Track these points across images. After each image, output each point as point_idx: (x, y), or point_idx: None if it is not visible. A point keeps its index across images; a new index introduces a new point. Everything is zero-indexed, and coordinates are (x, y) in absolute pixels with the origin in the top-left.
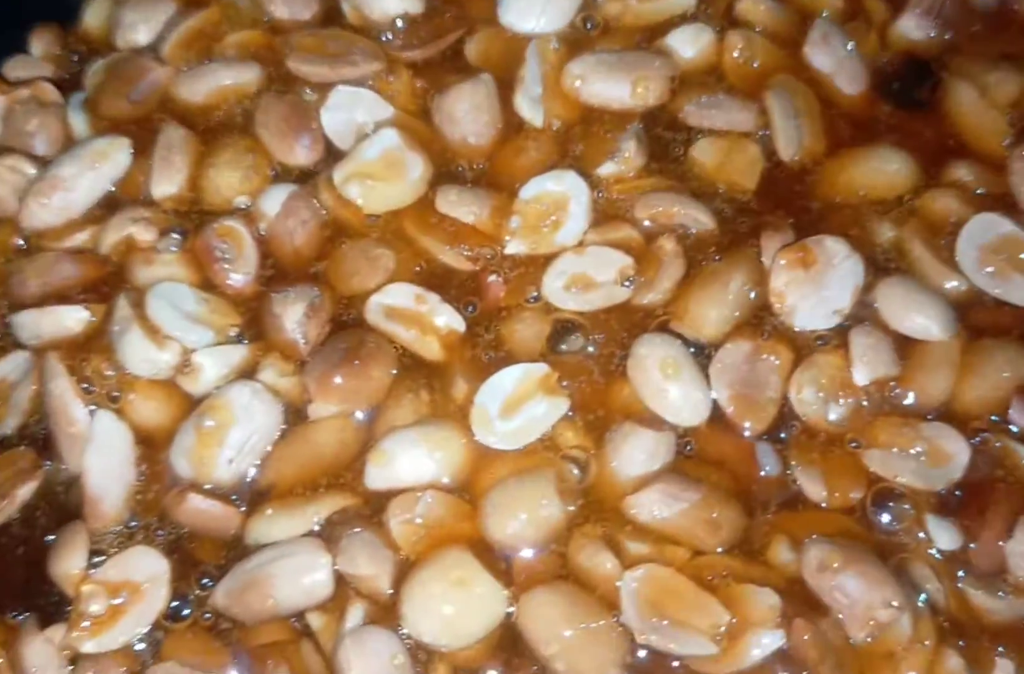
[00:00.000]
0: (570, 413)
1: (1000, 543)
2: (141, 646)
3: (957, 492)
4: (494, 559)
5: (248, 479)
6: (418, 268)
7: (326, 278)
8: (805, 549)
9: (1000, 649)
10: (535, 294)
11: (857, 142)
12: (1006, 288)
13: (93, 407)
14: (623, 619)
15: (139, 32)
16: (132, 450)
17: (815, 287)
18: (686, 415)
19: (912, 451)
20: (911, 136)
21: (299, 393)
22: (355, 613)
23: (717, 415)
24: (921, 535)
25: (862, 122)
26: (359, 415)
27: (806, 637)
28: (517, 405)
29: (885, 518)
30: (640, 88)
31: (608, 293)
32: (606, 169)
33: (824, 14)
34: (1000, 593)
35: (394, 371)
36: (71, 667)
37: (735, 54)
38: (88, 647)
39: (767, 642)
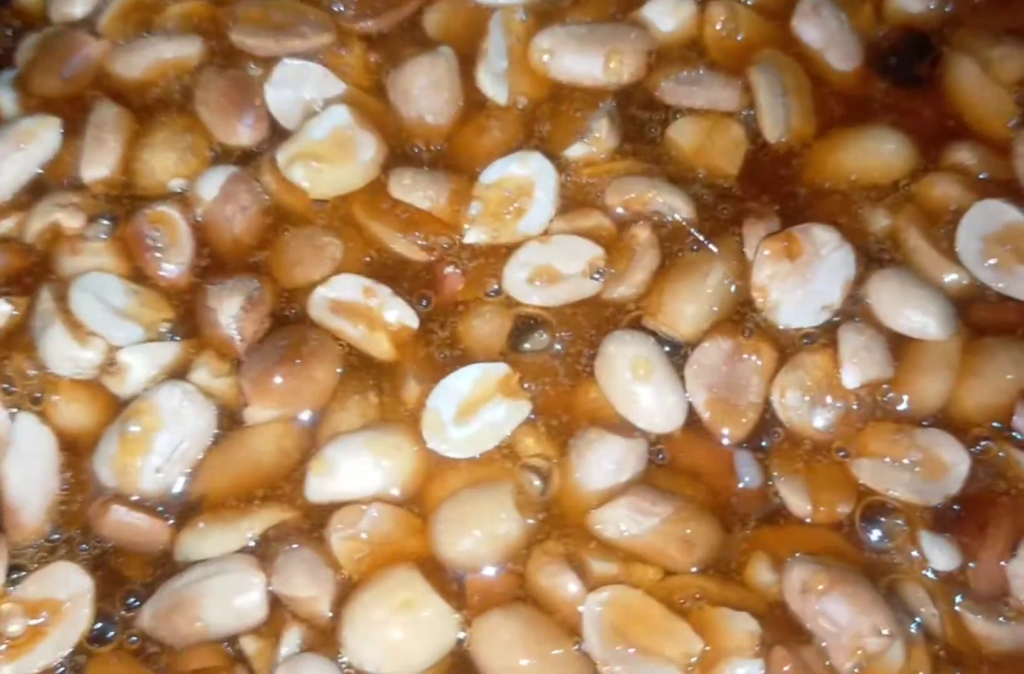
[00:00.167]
0: (532, 418)
1: (1002, 563)
2: (62, 671)
3: (955, 506)
4: (445, 579)
5: (177, 490)
6: (368, 258)
7: (267, 269)
8: (787, 569)
9: None
10: (495, 287)
11: (849, 122)
12: (1010, 282)
13: (14, 410)
14: (585, 647)
15: (75, 5)
16: (55, 456)
17: (801, 280)
18: (659, 421)
19: (906, 461)
20: (908, 116)
21: (234, 395)
22: (291, 638)
23: (693, 421)
24: (915, 554)
25: (855, 101)
26: (300, 420)
27: (787, 667)
28: (473, 409)
29: (875, 535)
30: (613, 63)
31: (576, 286)
32: (575, 151)
33: None
34: (1001, 618)
35: (339, 371)
36: None
37: (717, 26)
38: (5, 672)
39: (744, 672)
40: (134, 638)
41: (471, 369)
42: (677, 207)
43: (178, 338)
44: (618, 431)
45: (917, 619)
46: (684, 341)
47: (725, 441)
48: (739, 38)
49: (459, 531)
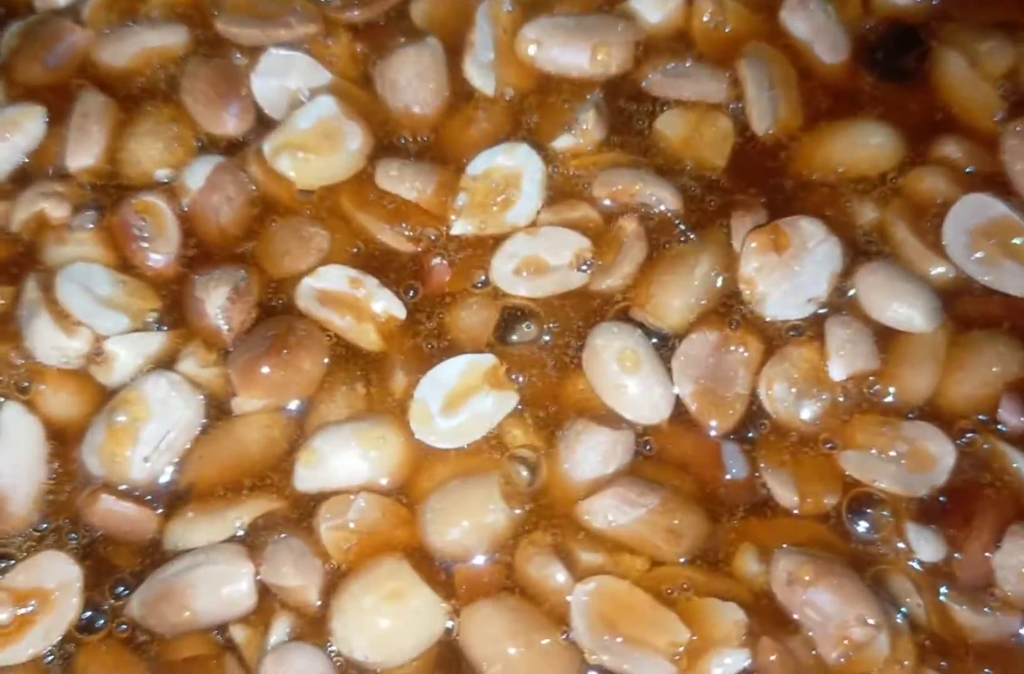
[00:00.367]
0: (519, 409)
1: (987, 554)
2: (51, 659)
3: (941, 498)
4: (433, 569)
5: (166, 479)
6: (355, 249)
7: (254, 259)
8: (774, 560)
9: (986, 671)
10: (483, 278)
11: (837, 115)
12: (997, 276)
13: (0, 399)
14: (573, 636)
15: None
16: (43, 446)
17: (788, 273)
18: (646, 412)
19: (892, 453)
20: (896, 109)
21: (222, 385)
22: (280, 627)
23: (680, 412)
24: (901, 545)
25: (843, 94)
26: (288, 410)
27: (773, 657)
28: (461, 400)
29: (862, 526)
30: (601, 55)
31: (563, 278)
32: (562, 142)
33: None
34: (986, 609)
35: (327, 362)
36: None
37: (705, 18)
38: None
39: (730, 662)
40: (124, 627)
41: (458, 360)
42: (664, 199)
43: (165, 328)
44: (605, 422)
45: (903, 609)
46: (671, 333)
47: (712, 433)
48: (727, 30)
49: (447, 521)
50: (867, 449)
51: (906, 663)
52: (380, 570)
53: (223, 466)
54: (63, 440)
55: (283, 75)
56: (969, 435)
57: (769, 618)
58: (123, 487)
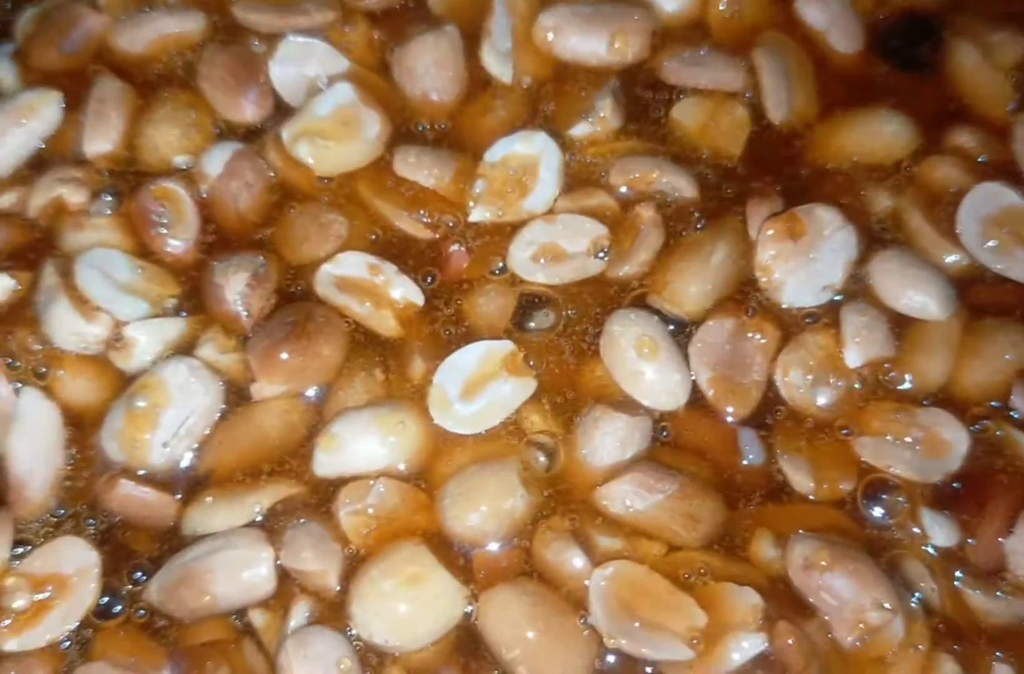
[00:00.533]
0: (537, 395)
1: (1000, 539)
2: (68, 645)
3: (955, 484)
4: (452, 554)
5: (185, 464)
6: (373, 236)
7: (273, 246)
8: (790, 545)
9: (998, 654)
10: (500, 265)
11: (852, 104)
12: (1009, 264)
13: (18, 384)
14: (591, 620)
15: None
16: (60, 432)
17: (804, 260)
18: (663, 398)
19: (907, 439)
20: (910, 98)
21: (241, 371)
22: (299, 612)
23: (696, 399)
24: (915, 530)
25: (858, 83)
26: (307, 396)
27: (790, 641)
28: (479, 386)
29: (877, 512)
30: (618, 43)
31: (580, 265)
32: (579, 130)
33: None
34: (999, 593)
35: (346, 348)
36: None
37: (721, 7)
38: (10, 645)
39: (748, 646)
40: (142, 612)
41: (476, 346)
42: (681, 187)
43: (184, 314)
44: (623, 409)
45: (917, 594)
46: (688, 320)
47: (729, 419)
48: (743, 19)
49: (466, 506)
50: (882, 435)
51: (920, 647)
52: (399, 555)
53: (242, 451)
54: (81, 426)
55: (301, 62)
56: (982, 422)
57: (785, 602)
58: (142, 472)
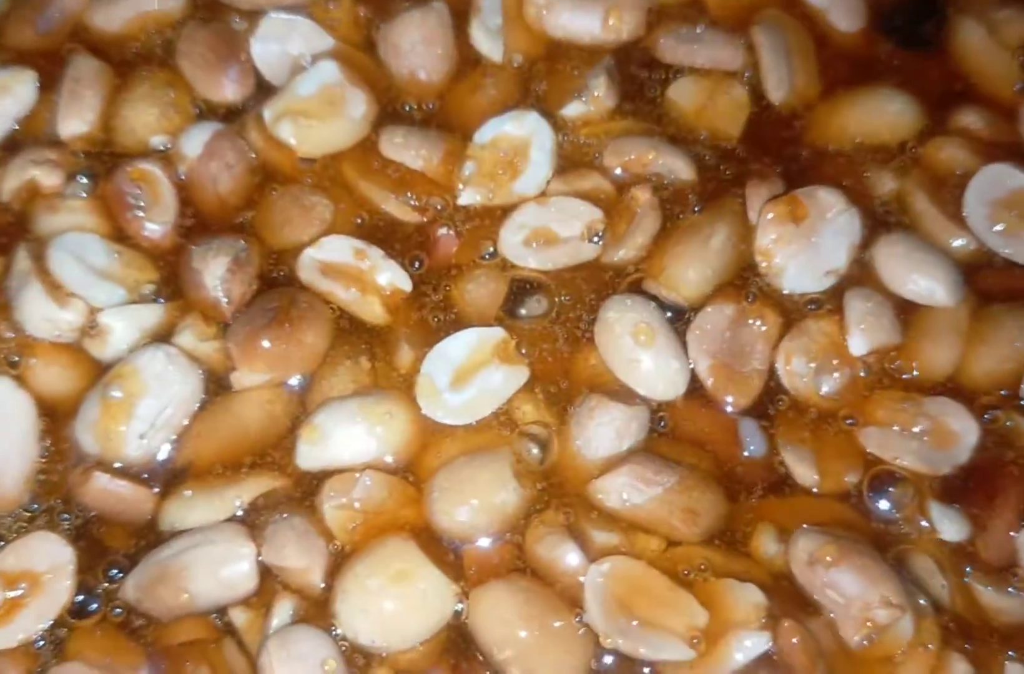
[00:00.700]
0: (529, 384)
1: (1011, 533)
2: (42, 644)
3: (964, 476)
4: (441, 550)
5: (162, 457)
6: (359, 219)
7: (254, 229)
8: (793, 540)
9: (1011, 653)
10: (491, 250)
11: (854, 83)
12: (1018, 248)
13: None
14: (587, 619)
15: None
16: (34, 423)
17: (806, 244)
18: (661, 388)
19: (914, 430)
20: (914, 78)
21: (221, 359)
22: (282, 610)
23: (695, 388)
24: (924, 524)
25: (860, 62)
26: (290, 385)
27: (795, 640)
28: (469, 375)
29: (883, 505)
30: (612, 19)
31: (574, 249)
32: (572, 110)
33: None
34: (1011, 589)
35: (330, 335)
36: None
37: None
38: None
39: (750, 645)
40: (118, 610)
41: (466, 334)
42: (678, 168)
43: (162, 300)
44: (619, 398)
45: (926, 591)
46: (687, 305)
47: (729, 409)
48: None
49: (456, 500)
50: (888, 426)
51: (930, 646)
52: (386, 551)
53: (222, 443)
54: (55, 417)
55: (284, 40)
56: (992, 412)
57: (789, 600)
58: (118, 465)
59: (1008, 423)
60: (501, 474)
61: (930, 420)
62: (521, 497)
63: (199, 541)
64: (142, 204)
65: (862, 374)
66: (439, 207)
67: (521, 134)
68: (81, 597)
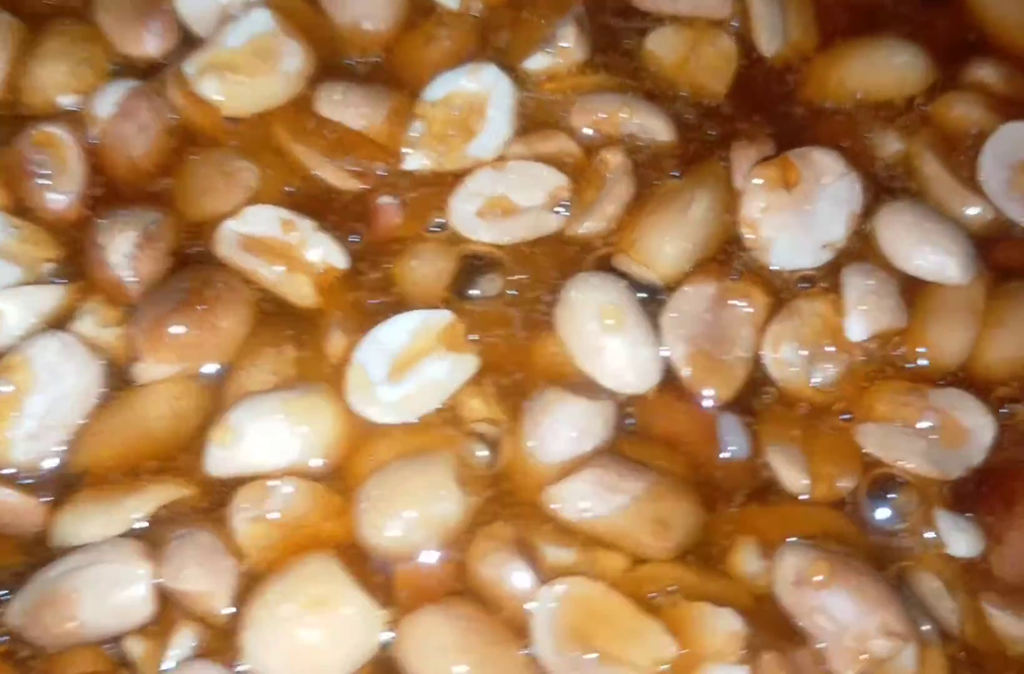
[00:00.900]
0: (479, 376)
1: None
2: None
3: (977, 480)
4: (369, 570)
5: (54, 461)
6: (290, 188)
7: (171, 199)
8: (779, 556)
9: None
10: (439, 222)
11: (856, 33)
12: None
13: None
14: (536, 651)
15: None
16: None
17: (799, 214)
18: (630, 379)
19: (920, 426)
20: (923, 28)
21: (125, 348)
22: (182, 641)
23: (670, 379)
24: (930, 537)
25: (863, 9)
26: (202, 377)
27: None
28: (409, 365)
29: (884, 514)
30: None
31: (534, 221)
32: (536, 63)
33: None
34: None
35: (250, 320)
36: None
37: None
38: None
39: None
40: (3, 638)
41: (407, 317)
42: (655, 128)
43: (63, 281)
44: (581, 391)
45: (932, 616)
46: (662, 284)
47: (708, 403)
48: None
49: (387, 512)
50: (890, 422)
51: None
52: (304, 571)
53: (123, 445)
54: None
55: None
56: (1010, 405)
57: (772, 627)
58: (3, 471)
59: None
60: (441, 480)
61: (939, 415)
62: (464, 507)
63: (91, 560)
64: (46, 172)
65: (861, 362)
66: (381, 173)
67: (477, 90)
68: None
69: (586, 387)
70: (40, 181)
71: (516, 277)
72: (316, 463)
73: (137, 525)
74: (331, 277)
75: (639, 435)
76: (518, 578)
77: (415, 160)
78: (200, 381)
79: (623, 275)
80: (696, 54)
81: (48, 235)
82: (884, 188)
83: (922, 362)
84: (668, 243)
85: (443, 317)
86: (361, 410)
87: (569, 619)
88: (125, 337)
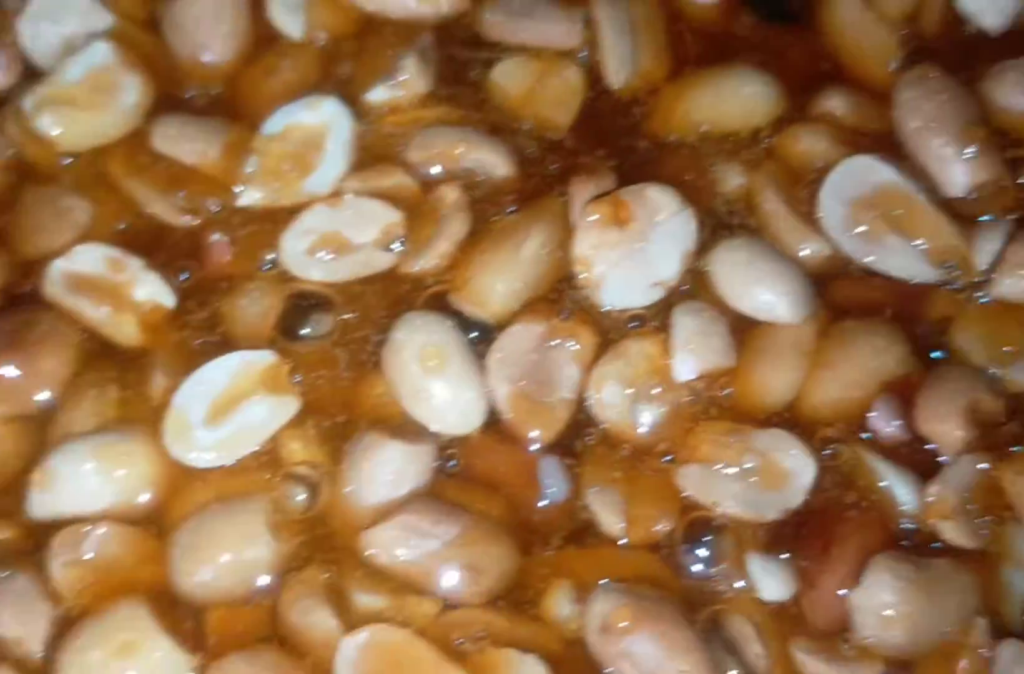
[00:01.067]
0: (301, 418)
1: (842, 592)
2: None
3: (797, 523)
4: (179, 616)
5: None
6: (123, 225)
7: (5, 237)
8: (590, 600)
9: None
10: (271, 258)
11: (706, 63)
12: (880, 254)
13: None
14: None
15: None
16: None
17: (631, 252)
18: (452, 421)
19: (739, 468)
20: (776, 56)
21: None
22: None
23: (494, 421)
24: (742, 580)
25: (717, 39)
26: (24, 420)
27: None
28: (229, 407)
29: (698, 558)
30: None
31: (367, 258)
32: (378, 95)
33: None
34: (839, 660)
35: (75, 361)
36: None
37: None
38: None
39: None
40: None
41: (228, 358)
42: (492, 163)
43: None
44: (400, 435)
45: (740, 661)
46: (493, 324)
47: (532, 445)
48: None
49: (198, 557)
50: (712, 463)
51: None
52: (114, 617)
53: None
54: None
55: (57, 18)
56: (833, 446)
57: (581, 672)
58: None
59: (850, 460)
60: (253, 526)
61: (759, 456)
62: (277, 553)
63: None
64: None
65: (687, 402)
66: (215, 209)
67: (316, 123)
68: None
69: (408, 430)
70: None
71: (346, 316)
72: (135, 506)
73: None
74: (158, 316)
75: (461, 477)
76: (325, 625)
77: (249, 196)
78: (22, 423)
79: (457, 314)
80: (542, 86)
81: None
82: (723, 224)
83: (748, 402)
84: (499, 282)
85: (265, 358)
86: (178, 454)
87: (371, 666)
88: None
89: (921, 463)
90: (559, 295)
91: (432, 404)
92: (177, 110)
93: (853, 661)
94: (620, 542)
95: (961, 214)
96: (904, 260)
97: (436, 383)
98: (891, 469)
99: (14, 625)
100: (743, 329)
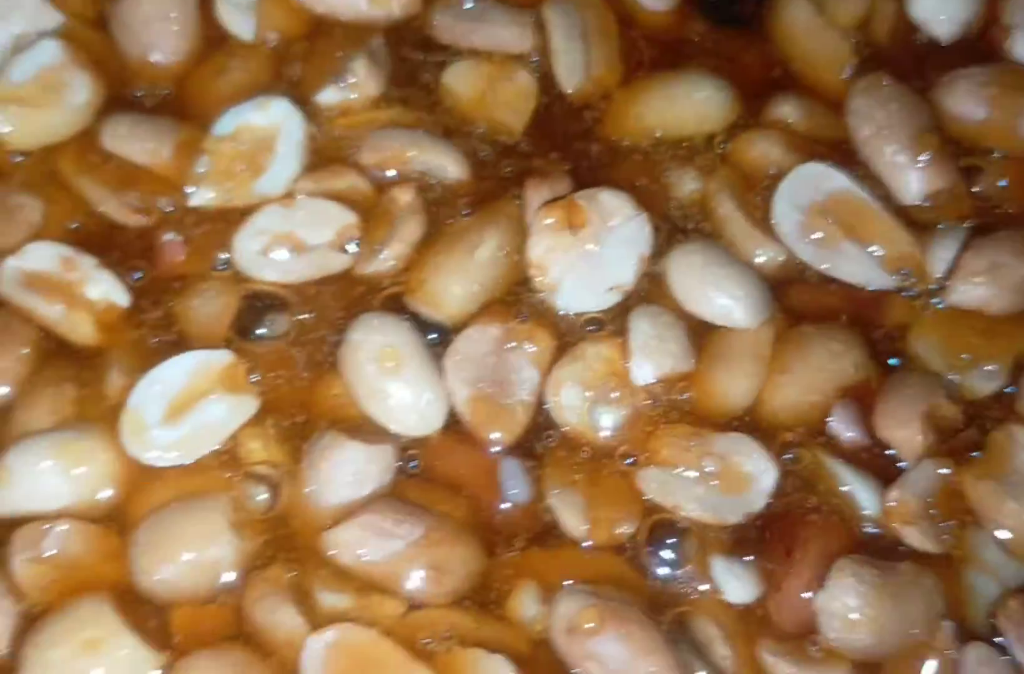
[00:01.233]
0: (260, 417)
1: (806, 594)
2: None
3: (760, 526)
4: (144, 613)
5: None
6: (75, 224)
7: None
8: (555, 601)
9: None
10: (225, 258)
11: (659, 68)
12: (835, 261)
13: None
14: None
15: None
16: None
17: (585, 256)
18: (411, 422)
19: (700, 472)
20: (729, 62)
21: None
22: None
23: (453, 422)
24: (706, 584)
25: (670, 44)
26: None
27: None
28: (187, 406)
29: (662, 560)
30: None
31: (321, 259)
32: (329, 97)
33: None
34: (804, 662)
35: (30, 359)
36: None
37: None
38: None
39: None
40: None
41: (186, 357)
42: (445, 166)
43: None
44: (360, 435)
45: (708, 662)
46: (450, 326)
47: (491, 447)
48: None
49: (159, 556)
50: (671, 467)
51: None
52: (77, 614)
53: None
54: None
55: (5, 17)
56: (794, 450)
57: (547, 673)
58: None
59: (811, 464)
60: (215, 524)
61: (720, 460)
62: (239, 551)
63: None
64: None
65: (646, 406)
66: (167, 209)
67: (267, 124)
68: None
69: (368, 430)
70: None
71: (302, 316)
72: (96, 504)
73: None
74: (112, 315)
75: (422, 478)
76: (290, 623)
77: (201, 196)
78: None
79: (412, 316)
80: (494, 89)
81: None
82: (678, 229)
83: (707, 406)
84: (455, 284)
85: (222, 357)
86: (135, 453)
87: (338, 666)
88: None
89: (882, 468)
90: (516, 298)
91: (390, 405)
92: (127, 109)
93: (820, 663)
94: (584, 544)
95: (916, 221)
96: (860, 267)
97: (394, 384)
98: (852, 474)
99: None
100: (701, 333)
